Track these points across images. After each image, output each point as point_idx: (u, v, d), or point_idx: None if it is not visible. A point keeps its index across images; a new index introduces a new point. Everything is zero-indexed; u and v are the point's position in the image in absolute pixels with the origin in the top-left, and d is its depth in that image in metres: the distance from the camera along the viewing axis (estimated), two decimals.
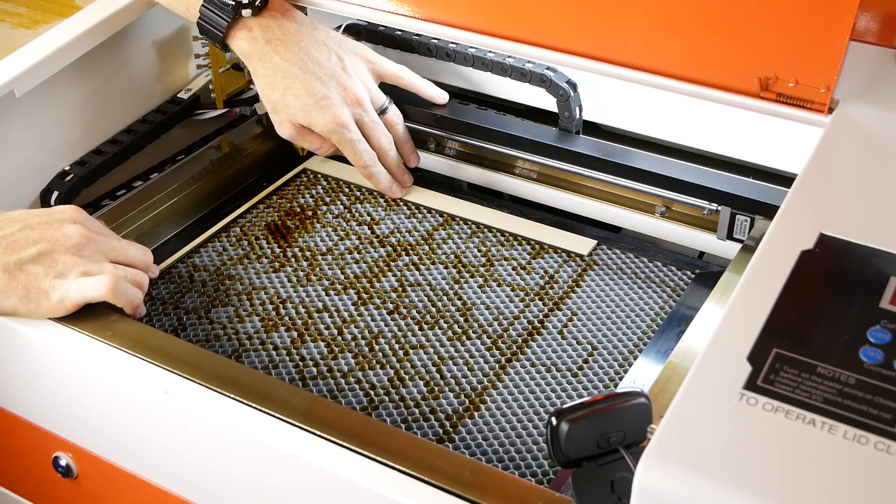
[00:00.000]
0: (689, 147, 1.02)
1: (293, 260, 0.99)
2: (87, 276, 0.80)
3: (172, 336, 0.85)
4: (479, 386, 0.84)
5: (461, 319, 0.91)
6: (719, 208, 0.96)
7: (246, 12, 0.97)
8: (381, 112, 1.04)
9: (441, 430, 0.80)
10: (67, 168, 1.03)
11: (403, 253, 1.00)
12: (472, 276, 0.96)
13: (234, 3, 0.97)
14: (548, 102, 1.05)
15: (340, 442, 0.70)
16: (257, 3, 0.97)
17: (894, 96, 0.82)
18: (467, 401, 0.83)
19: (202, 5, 0.98)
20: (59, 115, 1.03)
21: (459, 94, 1.13)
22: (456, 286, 0.95)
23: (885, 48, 0.87)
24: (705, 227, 0.99)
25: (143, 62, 1.11)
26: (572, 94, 1.02)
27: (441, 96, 1.07)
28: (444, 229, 1.03)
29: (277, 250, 1.00)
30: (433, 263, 0.98)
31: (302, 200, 1.08)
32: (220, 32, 0.97)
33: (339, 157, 1.12)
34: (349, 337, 0.89)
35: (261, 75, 0.99)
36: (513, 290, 0.95)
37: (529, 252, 1.00)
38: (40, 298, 0.79)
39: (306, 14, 1.07)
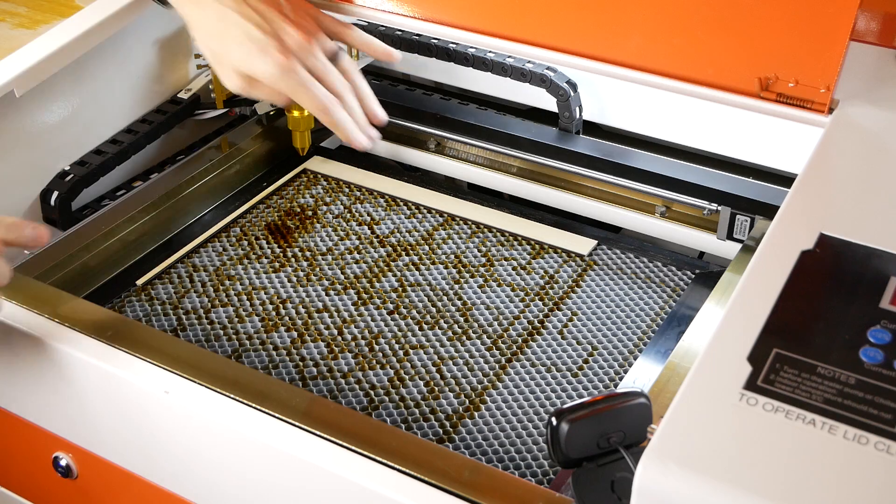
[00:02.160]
0: (689, 147, 1.02)
1: (293, 260, 0.99)
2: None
3: (172, 336, 0.85)
4: (479, 386, 0.84)
5: (461, 319, 0.91)
6: (719, 208, 0.96)
7: None
8: (331, 61, 0.93)
9: (441, 430, 0.80)
10: (67, 168, 1.03)
11: (403, 253, 1.00)
12: (472, 276, 0.96)
13: None
14: (548, 102, 1.05)
15: (340, 442, 0.70)
16: None
17: (894, 96, 0.82)
18: (467, 401, 0.83)
19: None
20: (59, 115, 1.03)
21: (459, 94, 1.13)
22: (456, 286, 0.95)
23: (885, 48, 0.87)
24: (705, 227, 1.00)
25: (143, 62, 1.11)
26: (572, 94, 1.02)
27: (393, 54, 0.97)
28: (444, 229, 1.03)
29: (277, 250, 1.00)
30: (433, 263, 0.98)
31: (302, 200, 1.08)
32: None
33: (338, 157, 1.12)
34: (349, 337, 0.89)
35: (197, 25, 0.90)
36: (513, 290, 0.95)
37: (529, 252, 1.00)
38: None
39: None
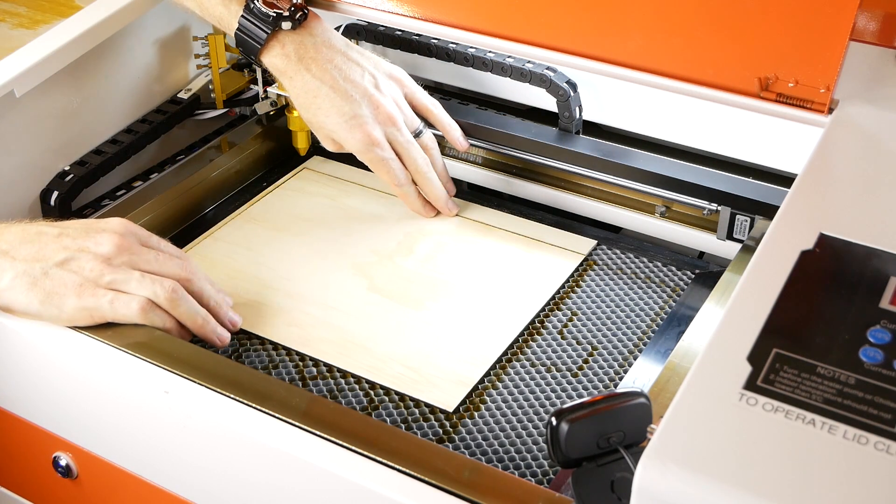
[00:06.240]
0: (689, 147, 1.02)
1: None
2: (116, 293, 0.80)
3: (172, 336, 0.85)
4: (480, 386, 0.84)
5: None
6: (719, 208, 0.96)
7: (286, 25, 0.95)
8: (415, 136, 1.01)
9: (441, 430, 0.80)
10: (67, 168, 1.03)
11: None
12: None
13: (274, 14, 0.95)
14: (548, 102, 1.05)
15: (340, 442, 0.70)
16: (297, 16, 0.96)
17: (894, 96, 0.82)
18: (467, 401, 0.83)
19: (242, 16, 0.96)
20: (59, 115, 1.03)
21: (459, 94, 1.13)
22: None
23: (885, 48, 0.87)
24: (705, 227, 0.99)
25: (143, 62, 1.11)
26: (572, 94, 1.02)
27: (462, 144, 1.05)
28: None
29: None
30: None
31: None
32: (258, 44, 0.96)
33: (338, 157, 1.12)
34: None
35: (294, 95, 0.99)
36: None
37: None
38: (63, 304, 0.79)
39: None
